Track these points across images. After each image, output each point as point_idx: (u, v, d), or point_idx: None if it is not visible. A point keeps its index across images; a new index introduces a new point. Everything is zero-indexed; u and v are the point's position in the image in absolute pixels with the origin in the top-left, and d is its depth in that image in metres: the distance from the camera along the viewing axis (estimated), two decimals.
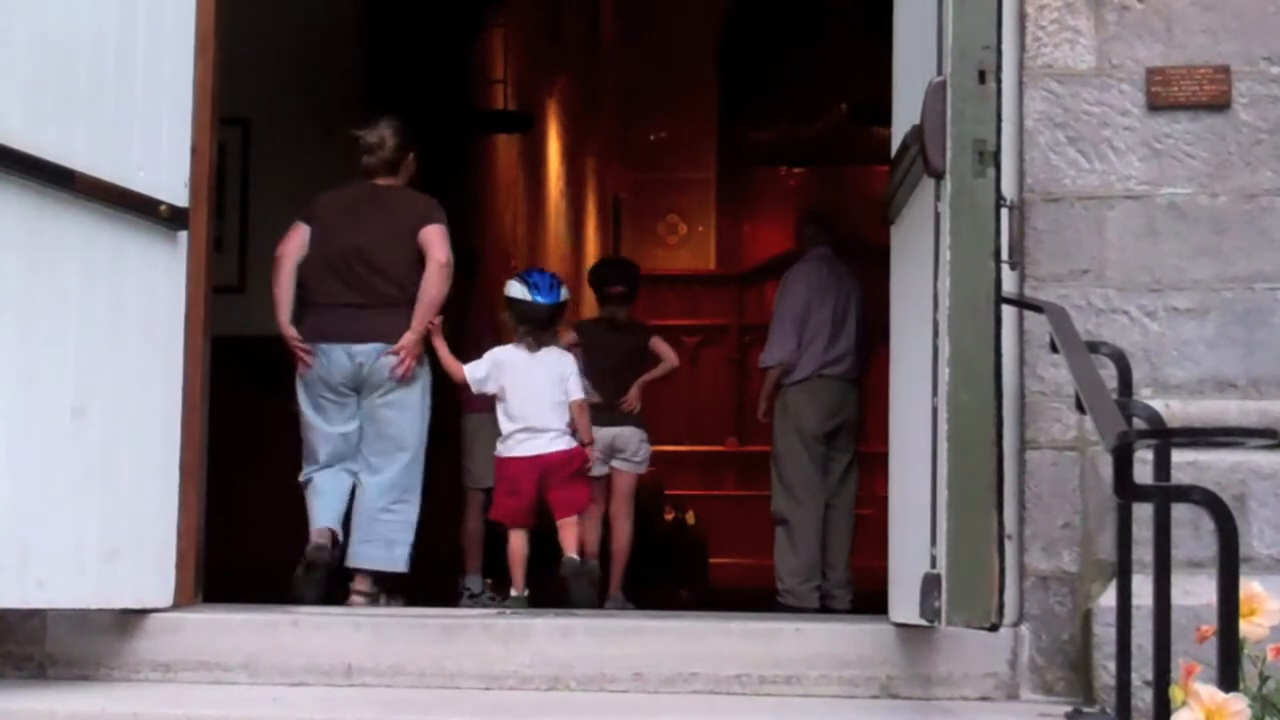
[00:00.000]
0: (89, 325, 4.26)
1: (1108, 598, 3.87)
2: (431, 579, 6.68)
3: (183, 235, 4.64)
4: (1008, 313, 3.91)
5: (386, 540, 5.78)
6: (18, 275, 4.03)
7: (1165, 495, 3.39)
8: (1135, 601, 3.62)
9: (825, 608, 7.22)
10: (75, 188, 4.19)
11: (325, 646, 4.34)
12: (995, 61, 3.56)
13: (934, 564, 3.62)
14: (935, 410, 3.62)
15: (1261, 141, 4.26)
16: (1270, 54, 4.28)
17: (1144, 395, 4.08)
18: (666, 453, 14.48)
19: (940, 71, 3.62)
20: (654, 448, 7.42)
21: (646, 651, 4.24)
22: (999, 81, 3.56)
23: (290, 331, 5.90)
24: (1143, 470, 3.48)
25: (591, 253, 16.28)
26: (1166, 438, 3.62)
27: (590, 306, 9.38)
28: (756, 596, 7.33)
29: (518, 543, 6.08)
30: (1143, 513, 3.63)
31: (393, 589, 5.93)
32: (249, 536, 7.07)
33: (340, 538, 5.85)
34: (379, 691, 4.22)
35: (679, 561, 11.74)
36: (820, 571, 7.42)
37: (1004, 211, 3.58)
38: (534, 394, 6.01)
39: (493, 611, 5.08)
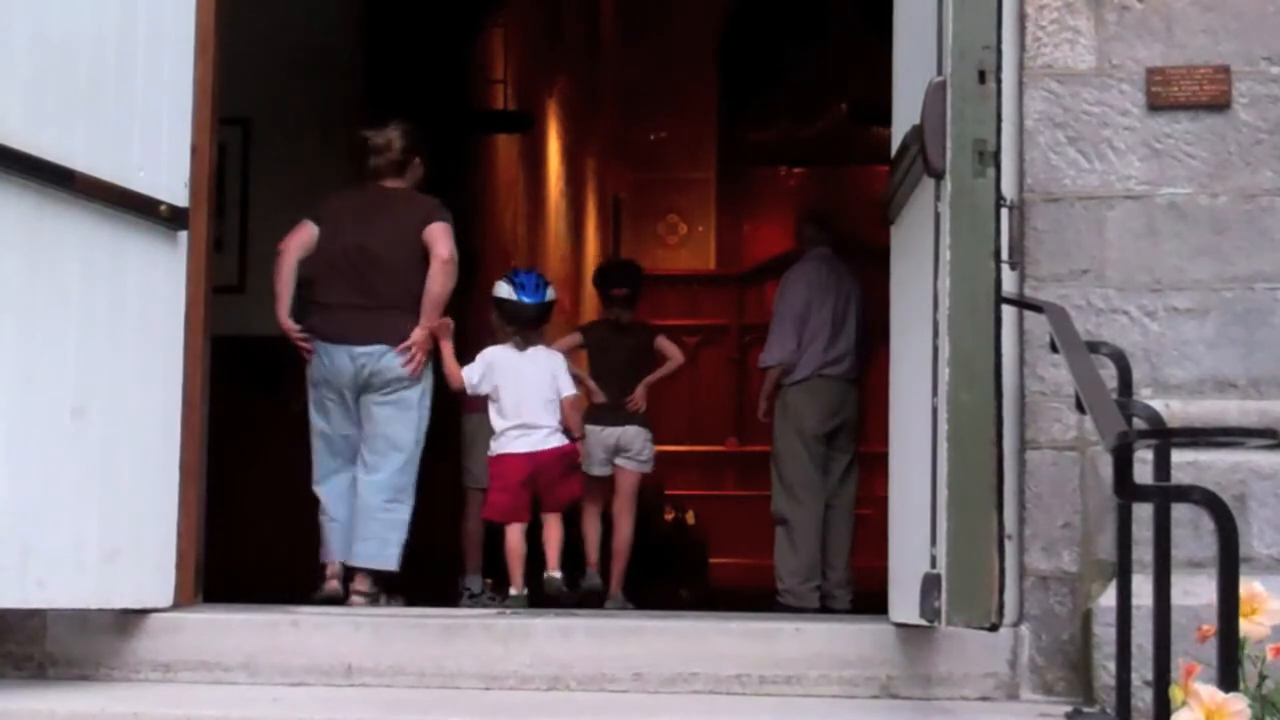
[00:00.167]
0: (89, 325, 4.26)
1: (1108, 598, 3.87)
2: (431, 579, 6.68)
3: (183, 235, 4.64)
4: (1008, 313, 3.91)
5: (380, 539, 5.79)
6: (18, 275, 4.03)
7: (1165, 495, 3.39)
8: (1135, 601, 3.62)
9: (825, 608, 7.22)
10: (75, 188, 4.19)
11: (325, 646, 4.34)
12: (995, 61, 3.56)
13: (934, 564, 3.62)
14: (935, 410, 3.62)
15: (1261, 141, 4.26)
16: (1270, 54, 4.28)
17: (1144, 395, 4.08)
18: (666, 453, 14.44)
19: (940, 71, 3.62)
20: (655, 448, 7.42)
21: (646, 651, 4.24)
22: (999, 81, 3.56)
23: (289, 324, 5.94)
24: (1143, 470, 3.48)
25: (591, 253, 16.27)
26: (1166, 438, 3.62)
27: (592, 309, 9.38)
28: (756, 596, 7.33)
29: (515, 540, 6.13)
30: (1143, 513, 3.63)
31: (392, 589, 5.94)
32: (249, 536, 7.07)
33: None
34: (379, 691, 4.22)
35: (679, 561, 11.74)
36: (820, 571, 7.42)
37: (1004, 211, 3.58)
38: (526, 392, 6.08)
39: (493, 611, 5.08)
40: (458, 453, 7.34)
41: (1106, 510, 4.05)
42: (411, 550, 6.12)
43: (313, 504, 6.14)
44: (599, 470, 7.21)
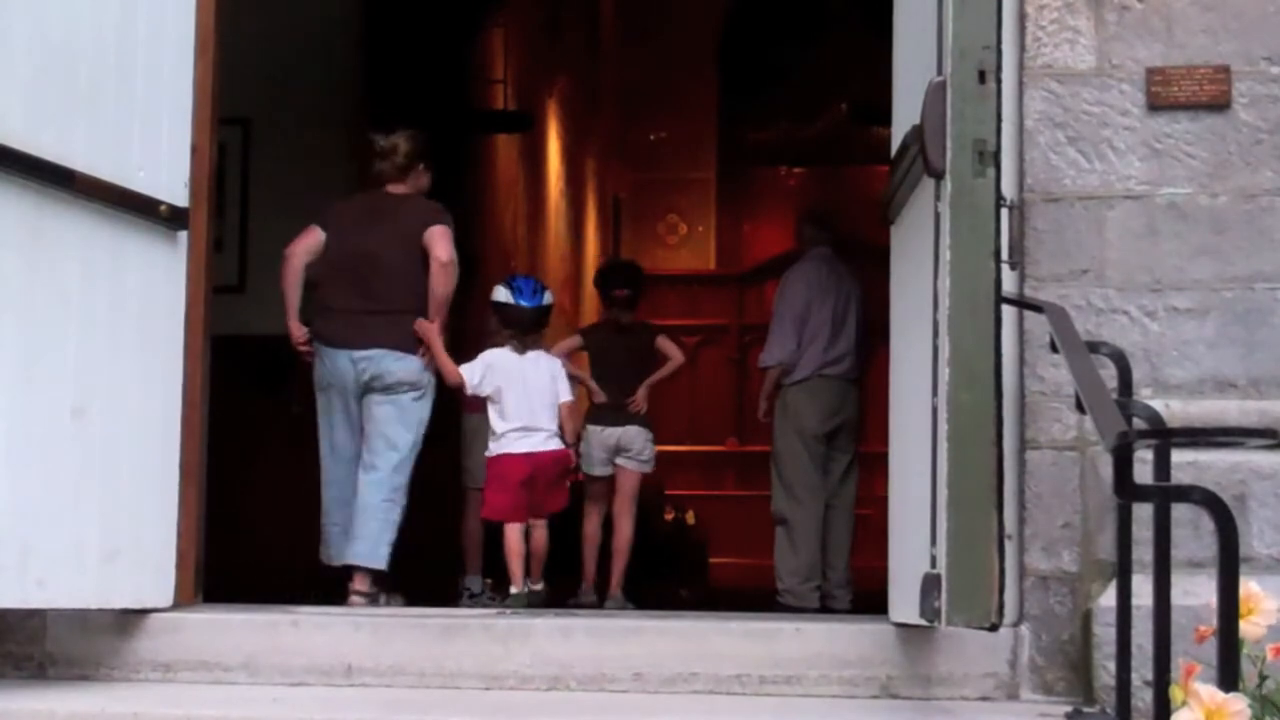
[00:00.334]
0: (89, 325, 4.26)
1: (1108, 598, 3.87)
2: (431, 579, 6.68)
3: (183, 235, 4.64)
4: (1008, 313, 3.91)
5: (374, 538, 5.83)
6: (18, 275, 4.03)
7: (1165, 495, 3.39)
8: (1135, 601, 3.62)
9: (825, 608, 7.22)
10: (75, 188, 4.19)
11: (325, 646, 4.34)
12: (995, 61, 3.56)
13: (934, 564, 3.62)
14: (935, 410, 3.62)
15: (1261, 141, 4.26)
16: (1270, 54, 4.28)
17: (1144, 395, 4.08)
18: (666, 453, 14.43)
19: (940, 71, 3.62)
20: (656, 448, 7.43)
21: (647, 651, 4.24)
22: (999, 81, 3.56)
23: (295, 330, 6.02)
24: (1143, 470, 3.48)
25: (591, 253, 16.27)
26: (1166, 438, 3.62)
27: (592, 309, 9.38)
28: (756, 596, 7.32)
29: (514, 539, 6.19)
30: (1143, 513, 3.63)
31: (393, 589, 5.96)
32: (249, 536, 7.07)
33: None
34: (379, 691, 4.22)
35: (679, 561, 11.74)
36: (820, 571, 7.42)
37: (1004, 211, 3.59)
38: (528, 394, 6.17)
39: (493, 611, 5.08)
40: (457, 453, 7.34)
41: (1106, 510, 4.05)
42: (411, 550, 6.13)
43: (312, 504, 6.15)
44: (599, 470, 7.22)
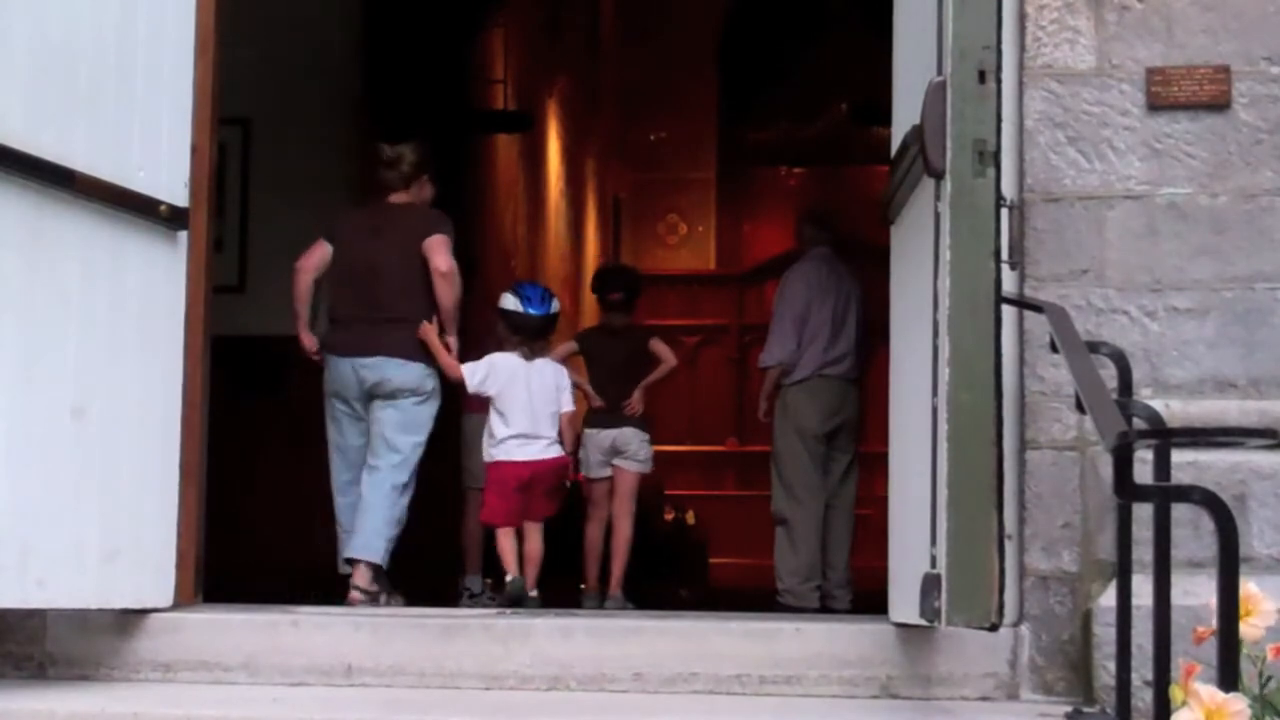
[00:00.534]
0: (89, 325, 4.26)
1: (1108, 598, 3.87)
2: (431, 579, 6.68)
3: (183, 235, 4.64)
4: (1008, 313, 3.91)
5: (373, 531, 5.88)
6: (18, 275, 4.03)
7: (1165, 495, 3.39)
8: (1135, 601, 3.62)
9: (825, 608, 7.22)
10: (75, 188, 4.19)
11: (325, 646, 4.34)
12: (995, 61, 3.56)
13: (934, 564, 3.62)
14: (935, 410, 3.62)
15: (1261, 141, 4.26)
16: (1270, 54, 4.28)
17: (1144, 395, 4.08)
18: (667, 453, 14.45)
19: (940, 71, 3.62)
20: (655, 448, 7.44)
21: (647, 651, 4.24)
22: (999, 81, 3.56)
23: (306, 340, 6.19)
24: (1143, 470, 3.48)
25: (592, 253, 16.28)
26: (1166, 438, 3.62)
27: (592, 310, 9.39)
28: (756, 596, 7.32)
29: (505, 541, 6.26)
30: (1143, 513, 3.63)
31: (393, 589, 5.97)
32: (249, 536, 7.08)
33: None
34: (379, 691, 4.22)
35: (679, 561, 11.74)
36: (820, 571, 7.42)
37: (1004, 211, 3.58)
38: (531, 402, 6.23)
39: (493, 611, 5.09)
40: (457, 453, 7.34)
41: (1106, 510, 4.05)
42: (411, 550, 6.14)
43: (313, 504, 6.15)
44: (597, 473, 7.23)
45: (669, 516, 13.29)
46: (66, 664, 4.42)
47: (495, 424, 6.27)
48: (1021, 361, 4.27)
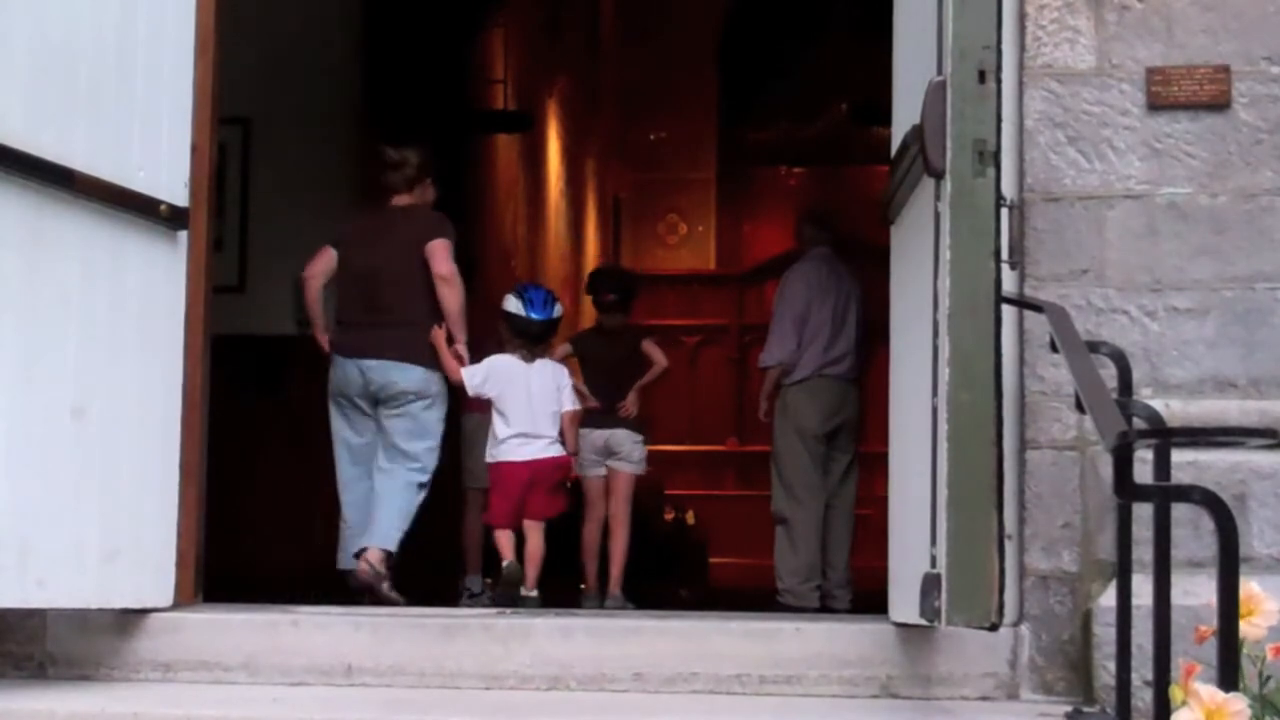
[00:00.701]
0: (89, 325, 4.26)
1: (1108, 598, 3.87)
2: (431, 579, 6.69)
3: (183, 235, 4.64)
4: (1008, 313, 3.91)
5: (388, 521, 5.98)
6: (18, 275, 4.03)
7: (1165, 495, 3.39)
8: (1135, 601, 3.62)
9: (825, 607, 7.22)
10: (75, 188, 4.18)
11: (325, 646, 4.34)
12: (995, 61, 3.56)
13: (934, 564, 3.62)
14: (935, 410, 3.62)
15: (1261, 141, 4.26)
16: (1270, 54, 4.28)
17: (1144, 395, 4.08)
18: (666, 453, 14.48)
19: (940, 71, 3.62)
20: (655, 448, 7.45)
21: (647, 651, 4.24)
22: (999, 81, 3.56)
23: (323, 342, 6.30)
24: (1143, 470, 3.48)
25: (592, 253, 16.28)
26: (1166, 438, 3.62)
27: (592, 311, 9.38)
28: (756, 596, 7.32)
29: (504, 539, 6.33)
30: (1143, 513, 3.63)
31: (399, 583, 6.02)
32: (249, 536, 7.08)
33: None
34: (379, 691, 4.22)
35: (679, 561, 11.73)
36: (820, 571, 7.42)
37: (1004, 211, 3.58)
38: (531, 402, 6.29)
39: (493, 611, 5.08)
40: (457, 453, 7.35)
41: (1106, 510, 4.05)
42: (412, 550, 6.15)
43: (313, 504, 6.16)
44: (590, 471, 7.23)
45: (669, 516, 13.29)
46: (66, 664, 4.42)
47: (497, 425, 6.33)
48: (1021, 361, 4.27)
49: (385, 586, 5.87)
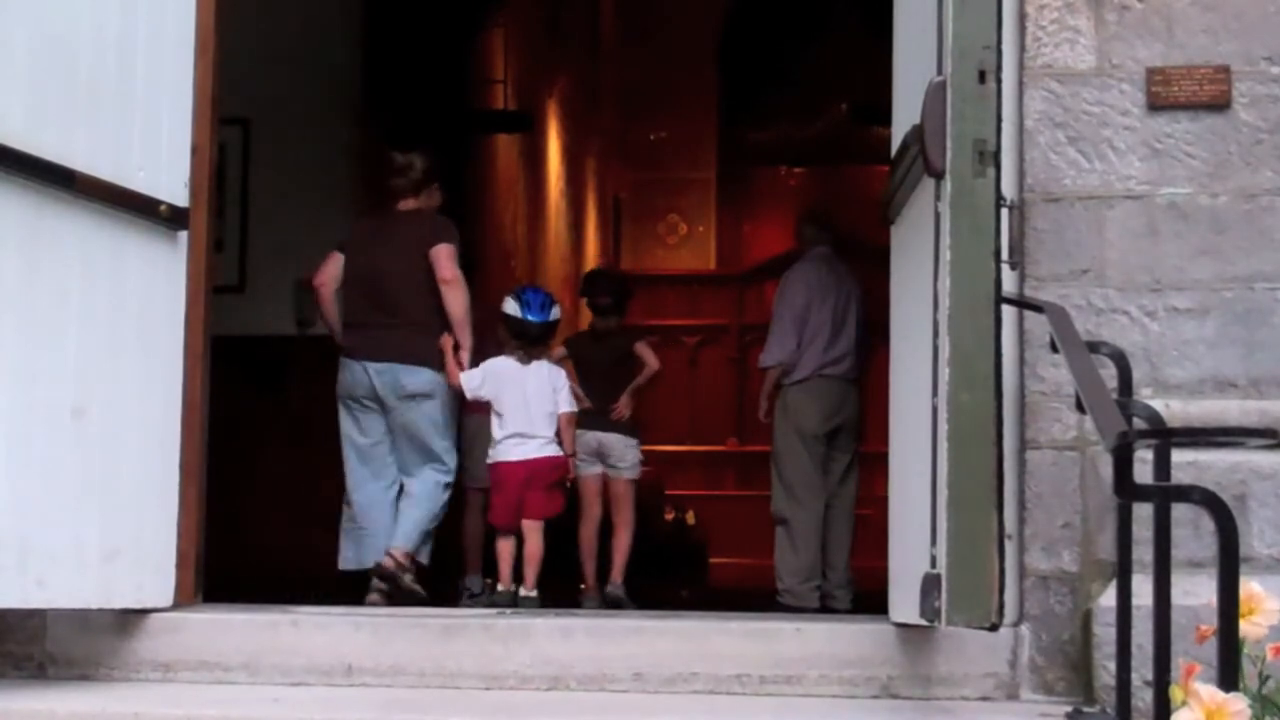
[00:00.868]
0: (89, 325, 4.26)
1: (1108, 598, 3.87)
2: (432, 579, 6.68)
3: (183, 235, 4.64)
4: (1008, 313, 3.91)
5: (414, 524, 6.13)
6: (18, 275, 4.03)
7: (1165, 495, 3.39)
8: (1135, 601, 3.62)
9: (825, 608, 7.21)
10: (75, 188, 4.19)
11: (325, 646, 4.34)
12: (995, 61, 3.56)
13: (934, 564, 3.62)
14: (935, 410, 3.62)
15: (1261, 141, 4.26)
16: (1270, 54, 4.28)
17: (1144, 395, 4.08)
18: (666, 453, 14.48)
19: (940, 71, 3.62)
20: (656, 448, 7.47)
21: (647, 651, 4.24)
22: (999, 81, 3.56)
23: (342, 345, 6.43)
24: (1143, 470, 3.48)
25: (592, 253, 16.28)
26: (1166, 438, 3.62)
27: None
28: (756, 596, 7.32)
29: (505, 545, 6.38)
30: (1143, 513, 3.63)
31: (421, 577, 6.11)
32: (249, 536, 7.08)
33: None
34: (379, 691, 4.22)
35: (679, 562, 11.74)
36: (820, 571, 7.42)
37: (1004, 211, 3.58)
38: (526, 403, 6.34)
39: (493, 611, 5.08)
40: (458, 453, 7.34)
41: (1106, 510, 4.05)
42: (411, 550, 6.15)
43: (313, 504, 6.16)
44: (584, 470, 7.23)
45: (669, 516, 13.29)
46: (66, 664, 4.42)
47: (494, 426, 6.39)
48: (1021, 361, 4.27)
49: (409, 579, 5.98)
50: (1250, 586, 3.00)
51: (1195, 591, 3.55)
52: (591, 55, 16.41)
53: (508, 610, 5.32)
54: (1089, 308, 4.25)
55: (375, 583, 5.95)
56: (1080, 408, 3.58)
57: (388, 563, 5.94)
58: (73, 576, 4.20)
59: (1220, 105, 4.27)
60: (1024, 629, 4.18)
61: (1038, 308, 4.00)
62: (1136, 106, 4.30)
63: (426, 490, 6.17)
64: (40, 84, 4.12)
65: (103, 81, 4.33)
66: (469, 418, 7.21)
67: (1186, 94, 4.28)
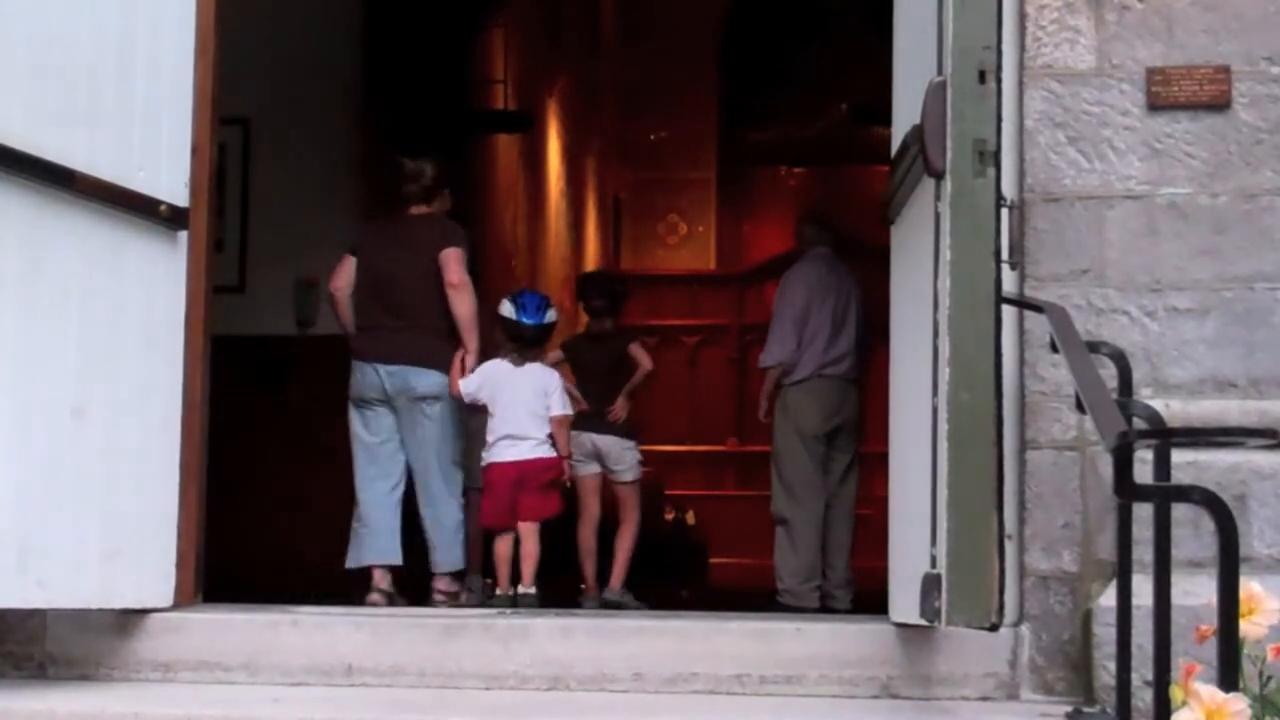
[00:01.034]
0: (89, 325, 4.26)
1: (1108, 598, 3.87)
2: (432, 579, 6.68)
3: (183, 235, 4.64)
4: (1008, 313, 3.91)
5: (449, 545, 6.30)
6: (18, 275, 4.03)
7: (1165, 495, 3.39)
8: (1135, 601, 3.62)
9: (825, 608, 7.21)
10: (75, 188, 4.19)
11: (325, 646, 4.34)
12: (995, 61, 3.56)
13: (934, 564, 3.62)
14: (935, 410, 3.62)
15: (1261, 141, 4.26)
16: (1270, 54, 4.28)
17: (1144, 395, 4.08)
18: (667, 453, 14.48)
19: (940, 71, 3.62)
20: (655, 448, 7.46)
21: (647, 651, 4.24)
22: (999, 81, 3.56)
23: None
24: (1143, 470, 3.48)
25: (592, 253, 16.28)
26: (1166, 438, 3.62)
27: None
28: (756, 596, 7.32)
29: (503, 547, 6.40)
30: (1143, 513, 3.63)
31: (399, 591, 6.11)
32: (249, 536, 7.07)
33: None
34: (379, 691, 4.22)
35: (679, 561, 11.73)
36: (820, 571, 7.42)
37: (1004, 211, 3.58)
38: (517, 404, 6.36)
39: (493, 611, 5.08)
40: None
41: (1106, 510, 4.05)
42: (412, 550, 6.16)
43: (313, 504, 6.16)
44: (581, 470, 7.23)
45: (669, 516, 13.29)
46: (66, 664, 4.42)
47: (488, 427, 6.41)
48: (1021, 361, 4.27)
49: (463, 597, 6.25)
50: (1250, 586, 3.00)
51: (1195, 591, 3.55)
52: (591, 55, 16.41)
53: (508, 610, 5.33)
54: (1089, 308, 4.25)
55: (375, 582, 5.95)
56: (1080, 408, 3.58)
57: (436, 599, 6.11)
58: (73, 576, 4.20)
59: (1220, 105, 4.27)
60: (1024, 629, 4.18)
61: (1038, 308, 4.00)
62: (1136, 106, 4.30)
63: (451, 509, 6.32)
64: (40, 84, 4.12)
65: (103, 81, 4.33)
66: (470, 419, 7.22)
67: (1186, 94, 4.28)
